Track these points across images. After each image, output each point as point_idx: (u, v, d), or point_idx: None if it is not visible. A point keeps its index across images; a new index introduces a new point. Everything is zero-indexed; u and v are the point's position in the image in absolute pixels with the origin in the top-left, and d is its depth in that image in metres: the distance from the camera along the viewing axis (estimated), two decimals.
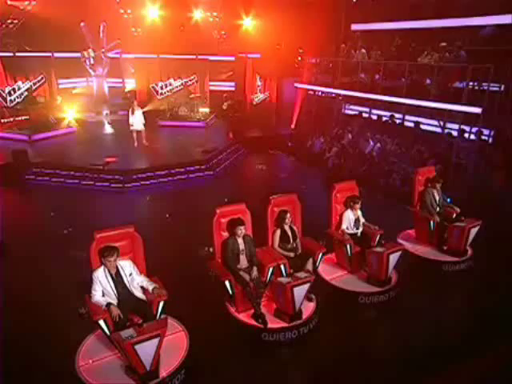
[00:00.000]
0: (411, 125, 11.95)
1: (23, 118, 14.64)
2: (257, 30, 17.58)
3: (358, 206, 6.29)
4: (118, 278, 4.44)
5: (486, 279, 6.34)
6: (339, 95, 13.87)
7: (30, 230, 8.00)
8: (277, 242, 5.69)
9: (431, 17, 11.16)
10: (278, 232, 5.68)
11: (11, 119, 14.38)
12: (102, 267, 4.42)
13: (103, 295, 4.40)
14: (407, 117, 12.23)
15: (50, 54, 15.79)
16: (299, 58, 14.59)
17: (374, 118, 13.47)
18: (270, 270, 5.18)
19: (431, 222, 6.85)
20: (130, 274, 4.53)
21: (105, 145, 13.46)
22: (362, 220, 6.39)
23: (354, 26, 13.96)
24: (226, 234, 5.39)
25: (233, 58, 17.78)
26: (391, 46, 12.52)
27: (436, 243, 6.89)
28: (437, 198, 7.03)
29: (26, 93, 14.91)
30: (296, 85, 14.99)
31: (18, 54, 15.36)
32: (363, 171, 10.67)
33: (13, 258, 6.91)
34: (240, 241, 5.25)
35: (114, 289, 4.40)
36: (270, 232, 5.77)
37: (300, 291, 4.95)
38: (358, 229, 6.33)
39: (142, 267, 4.86)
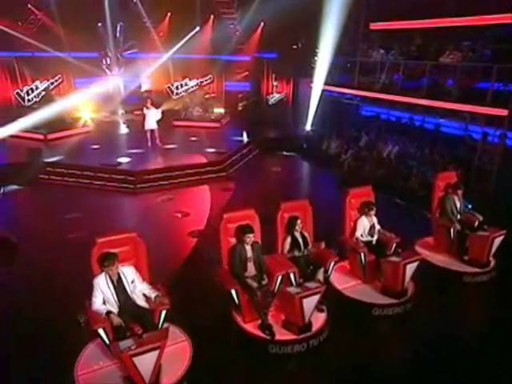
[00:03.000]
0: (431, 127, 11.53)
1: None
2: (273, 29, 17.34)
3: (373, 212, 6.01)
4: (119, 285, 4.30)
5: (509, 293, 5.97)
6: (356, 96, 13.53)
7: (42, 230, 7.95)
8: (286, 250, 5.45)
9: (454, 14, 10.74)
10: (289, 239, 5.44)
11: None
12: (104, 274, 4.28)
13: (104, 302, 4.26)
14: (427, 118, 11.81)
15: (67, 54, 15.95)
16: (316, 58, 14.32)
17: (393, 119, 13.08)
18: (279, 278, 4.93)
19: (452, 230, 6.49)
20: (132, 281, 4.38)
21: (119, 145, 13.46)
22: (378, 227, 6.09)
23: (373, 25, 13.59)
24: (233, 240, 5.18)
25: (249, 58, 17.61)
26: (411, 45, 12.14)
27: (456, 253, 6.52)
28: (458, 205, 6.69)
29: (43, 92, 15.07)
30: (312, 85, 14.70)
31: (36, 54, 15.55)
32: (380, 174, 10.33)
33: (19, 258, 6.86)
34: (248, 248, 5.04)
35: (114, 296, 4.26)
36: (280, 238, 5.54)
37: (310, 302, 4.71)
38: (372, 236, 6.05)
39: (146, 273, 4.70)
